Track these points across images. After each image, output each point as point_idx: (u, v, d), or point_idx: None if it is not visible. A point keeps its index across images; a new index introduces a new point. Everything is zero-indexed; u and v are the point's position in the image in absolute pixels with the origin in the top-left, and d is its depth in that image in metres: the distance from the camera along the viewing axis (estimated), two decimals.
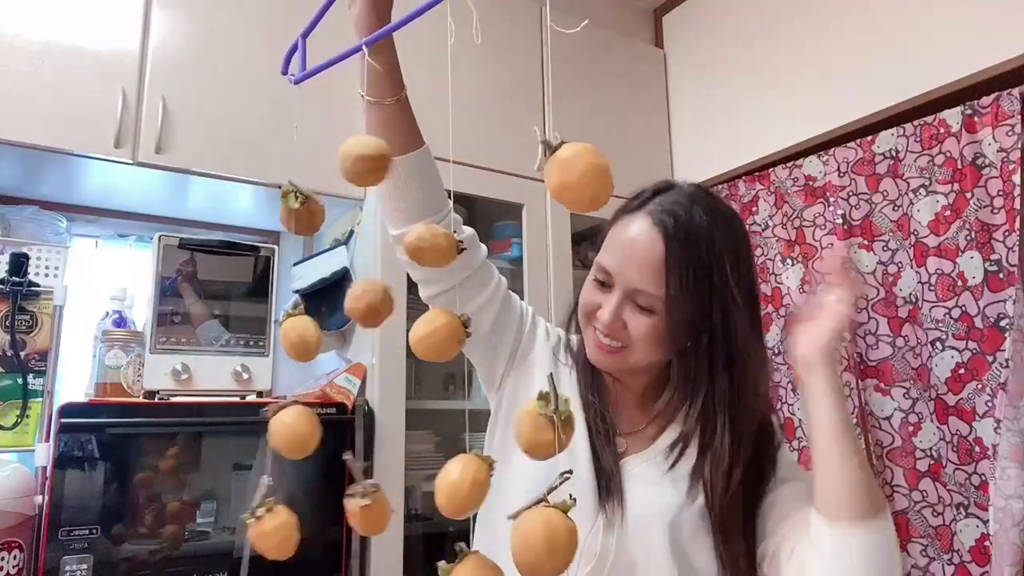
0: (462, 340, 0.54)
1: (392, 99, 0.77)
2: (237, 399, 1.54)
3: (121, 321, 1.61)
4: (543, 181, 0.44)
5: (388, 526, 0.52)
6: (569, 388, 0.87)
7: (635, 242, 0.79)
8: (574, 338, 0.92)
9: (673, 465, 0.82)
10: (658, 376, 0.89)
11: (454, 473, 0.48)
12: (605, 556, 0.77)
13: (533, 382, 0.88)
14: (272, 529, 0.51)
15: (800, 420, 1.76)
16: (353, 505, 0.50)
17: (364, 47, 0.60)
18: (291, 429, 0.52)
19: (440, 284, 0.84)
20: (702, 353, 0.80)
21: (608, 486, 0.80)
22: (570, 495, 0.44)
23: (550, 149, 0.42)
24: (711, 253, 0.78)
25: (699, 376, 0.81)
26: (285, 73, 0.68)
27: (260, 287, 1.64)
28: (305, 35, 0.66)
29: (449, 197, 0.84)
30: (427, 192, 0.81)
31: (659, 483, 0.81)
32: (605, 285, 0.81)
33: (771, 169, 1.92)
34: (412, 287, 1.66)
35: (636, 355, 0.80)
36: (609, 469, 0.81)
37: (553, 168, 0.42)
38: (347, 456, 0.48)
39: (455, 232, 0.81)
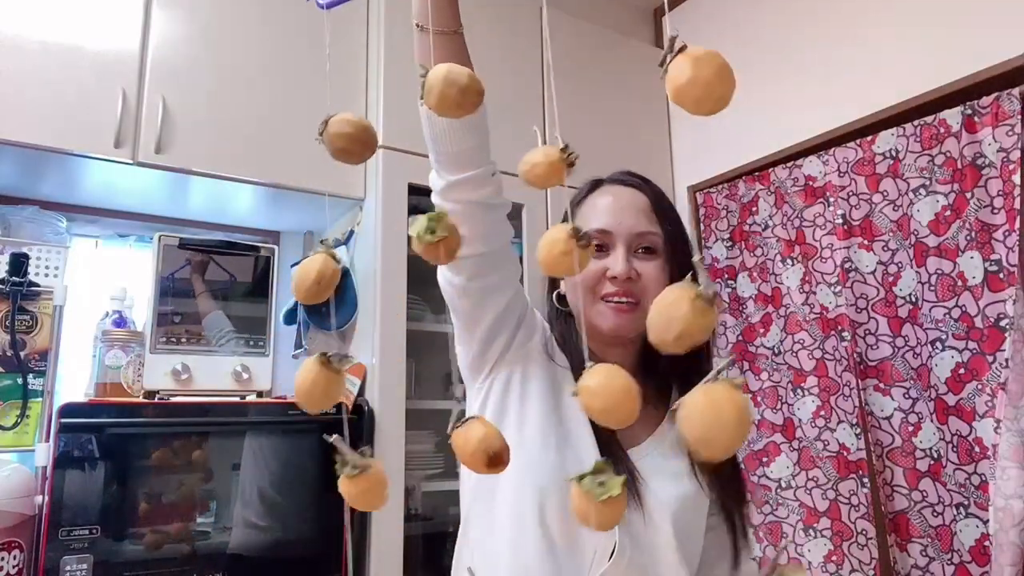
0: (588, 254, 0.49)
1: (453, 30, 0.75)
2: (237, 399, 1.54)
3: (121, 321, 1.61)
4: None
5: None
6: (568, 386, 0.86)
7: (620, 198, 0.86)
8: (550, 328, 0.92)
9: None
10: (638, 358, 0.90)
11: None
12: (622, 553, 0.76)
13: (529, 372, 0.86)
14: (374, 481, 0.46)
15: (800, 420, 1.76)
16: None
17: None
18: None
19: (479, 245, 0.79)
20: None
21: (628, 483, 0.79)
22: None
23: (671, 50, 0.39)
24: (675, 211, 0.89)
25: None
26: None
27: (260, 287, 1.64)
28: None
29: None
30: (482, 138, 0.79)
31: (663, 475, 0.82)
32: (601, 248, 0.84)
33: (771, 169, 1.92)
34: (412, 287, 1.67)
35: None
36: (627, 466, 0.80)
37: (683, 63, 0.38)
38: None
39: (499, 198, 0.80)
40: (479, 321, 0.83)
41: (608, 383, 0.41)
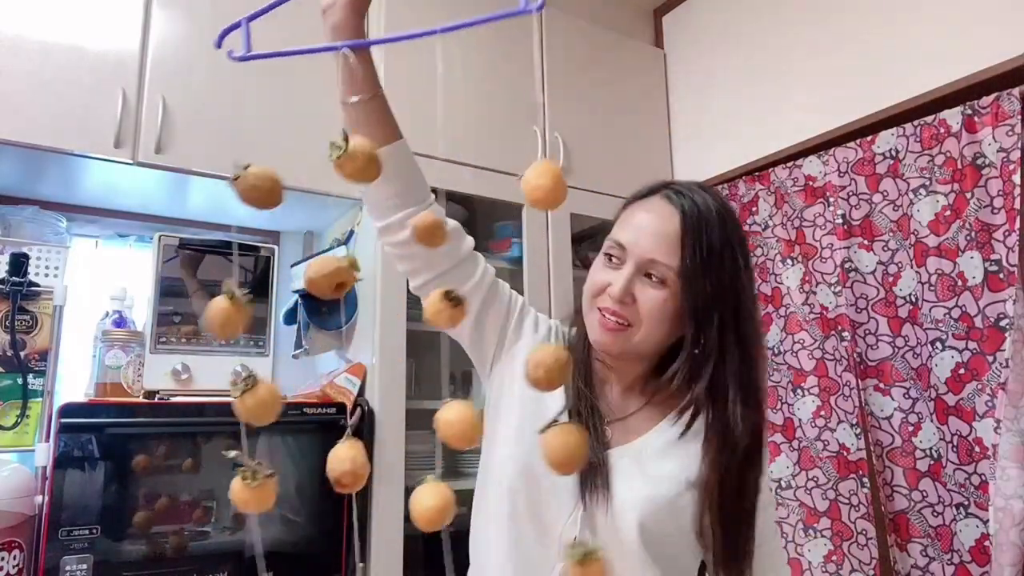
0: None
1: (374, 94, 0.82)
2: None
3: (121, 321, 1.61)
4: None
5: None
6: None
7: (651, 217, 0.83)
8: (566, 329, 0.94)
9: (677, 443, 0.84)
10: (651, 367, 0.88)
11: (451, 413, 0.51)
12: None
13: (516, 374, 0.88)
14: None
15: (800, 420, 1.76)
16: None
17: (349, 50, 0.65)
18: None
19: (427, 273, 0.86)
20: (714, 330, 0.81)
21: (594, 478, 0.80)
22: None
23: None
24: (723, 233, 0.82)
25: (709, 351, 0.81)
26: (219, 47, 0.68)
27: (260, 287, 1.64)
28: (251, 19, 0.68)
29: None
30: (408, 182, 0.85)
31: (637, 478, 0.82)
32: (615, 260, 0.83)
33: (771, 169, 1.92)
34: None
35: (640, 334, 0.81)
36: (596, 461, 0.80)
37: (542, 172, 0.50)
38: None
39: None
40: (459, 332, 0.91)
41: (456, 415, 0.50)
